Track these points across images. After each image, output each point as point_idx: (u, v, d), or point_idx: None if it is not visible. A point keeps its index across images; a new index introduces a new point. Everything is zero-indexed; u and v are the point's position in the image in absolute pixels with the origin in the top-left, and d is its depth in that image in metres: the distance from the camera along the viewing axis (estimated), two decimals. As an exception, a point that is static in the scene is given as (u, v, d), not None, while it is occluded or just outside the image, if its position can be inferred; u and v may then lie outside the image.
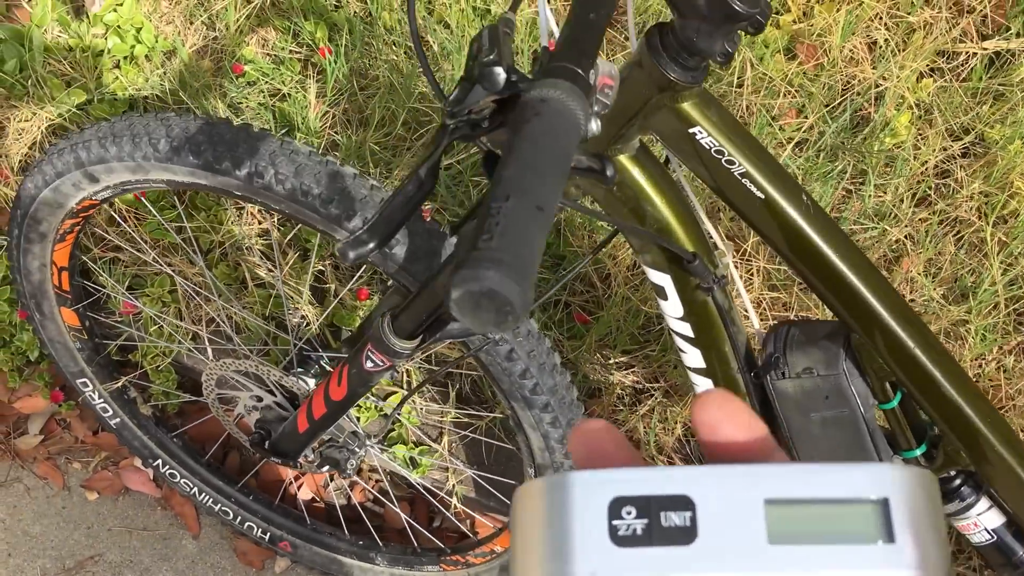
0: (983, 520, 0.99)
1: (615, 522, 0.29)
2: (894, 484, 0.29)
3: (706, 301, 0.99)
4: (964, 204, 1.69)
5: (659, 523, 0.28)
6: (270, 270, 1.57)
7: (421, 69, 0.74)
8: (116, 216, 1.54)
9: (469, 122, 0.62)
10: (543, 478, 0.30)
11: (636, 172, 0.94)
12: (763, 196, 0.89)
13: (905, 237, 1.70)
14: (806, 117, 1.68)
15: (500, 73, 0.61)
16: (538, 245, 0.50)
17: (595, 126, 0.61)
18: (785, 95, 1.70)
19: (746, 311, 1.06)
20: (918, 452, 0.98)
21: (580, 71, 0.60)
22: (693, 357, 1.04)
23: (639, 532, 0.28)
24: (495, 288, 0.46)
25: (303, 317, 1.59)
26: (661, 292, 1.00)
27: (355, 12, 1.74)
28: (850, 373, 0.95)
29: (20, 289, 1.42)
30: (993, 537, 0.99)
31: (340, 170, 1.12)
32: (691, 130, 0.87)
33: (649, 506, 0.29)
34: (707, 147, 0.88)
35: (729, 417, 0.31)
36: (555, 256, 1.59)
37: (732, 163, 0.88)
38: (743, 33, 0.80)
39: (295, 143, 1.13)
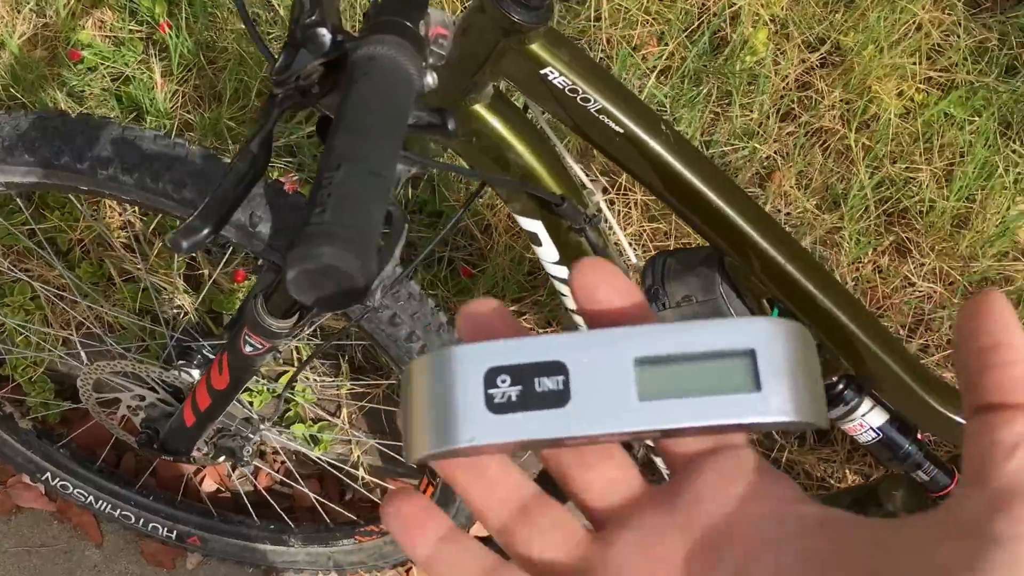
0: (868, 420, 1.01)
1: (491, 391, 0.30)
2: (760, 335, 0.30)
3: (580, 242, 0.98)
4: (827, 114, 1.73)
5: (533, 389, 0.30)
6: (137, 265, 1.50)
7: (249, 34, 0.70)
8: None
9: (299, 89, 0.58)
10: (428, 354, 0.31)
11: (494, 120, 0.92)
12: (622, 130, 0.88)
13: (775, 152, 1.73)
14: (667, 44, 1.68)
15: (324, 34, 0.57)
16: (377, 212, 0.47)
17: (431, 80, 0.59)
18: (644, 24, 1.70)
19: (622, 247, 1.06)
20: (802, 364, 1.00)
21: (409, 24, 0.57)
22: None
23: (514, 399, 0.30)
24: (333, 264, 0.44)
25: (180, 307, 1.53)
26: (535, 239, 0.99)
27: (193, -18, 1.66)
28: (727, 295, 0.96)
29: None
30: (879, 435, 1.02)
31: (190, 150, 1.06)
32: (543, 71, 0.85)
33: (523, 374, 0.30)
34: (561, 87, 0.86)
35: (605, 280, 0.32)
36: (432, 213, 1.56)
37: (588, 100, 0.86)
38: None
39: (138, 128, 1.06)
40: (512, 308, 1.59)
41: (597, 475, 0.32)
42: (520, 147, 0.93)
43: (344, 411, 1.56)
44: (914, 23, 1.77)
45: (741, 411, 0.29)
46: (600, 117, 0.87)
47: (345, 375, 1.54)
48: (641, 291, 0.32)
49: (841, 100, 1.73)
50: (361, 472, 1.55)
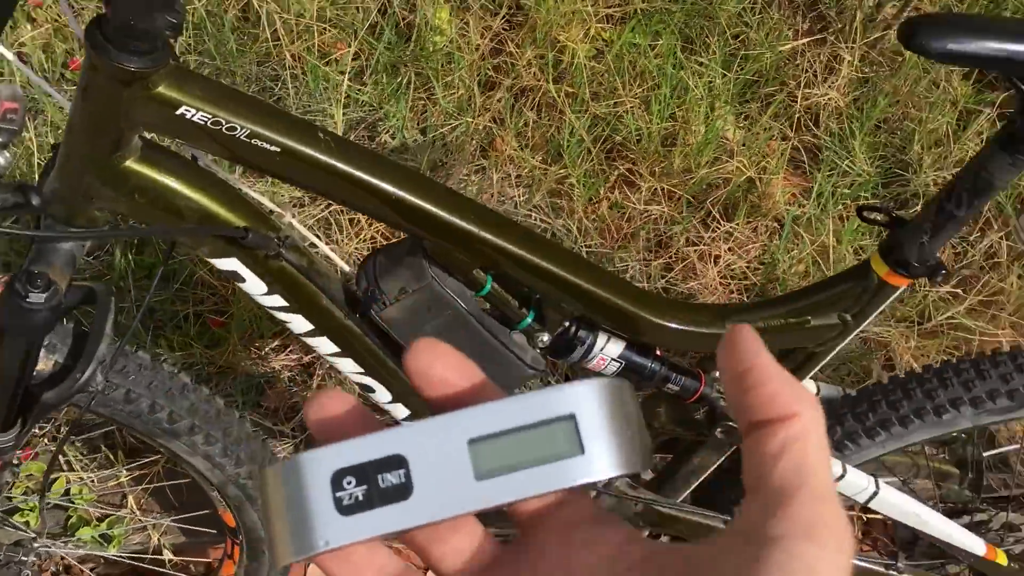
0: (608, 352, 1.05)
1: (338, 493, 0.31)
2: (578, 399, 0.32)
3: (282, 267, 0.97)
4: (525, 73, 1.78)
5: (377, 485, 0.31)
6: None
7: None
8: None
9: None
10: (277, 464, 0.32)
11: (151, 172, 0.88)
12: (279, 148, 0.87)
13: (489, 121, 1.77)
14: (350, 46, 1.68)
15: None
16: None
17: (3, 160, 0.56)
18: (325, 32, 1.69)
19: (330, 259, 1.05)
20: (530, 319, 1.03)
21: (-41, 108, 0.54)
22: (299, 323, 1.02)
23: (360, 498, 0.31)
24: None
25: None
26: (237, 276, 0.97)
27: None
28: (439, 277, 0.97)
29: None
30: (622, 362, 1.06)
31: None
32: (178, 111, 0.83)
33: (366, 472, 0.31)
34: (202, 122, 0.84)
35: (439, 357, 0.34)
36: (163, 276, 1.50)
37: (235, 128, 0.85)
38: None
39: None
40: (274, 344, 1.56)
41: (449, 547, 0.35)
42: (187, 191, 0.90)
43: (130, 498, 1.48)
44: (581, -32, 1.84)
45: (568, 476, 0.32)
46: (253, 142, 0.86)
47: (120, 461, 1.47)
48: (475, 367, 0.34)
49: (534, 56, 1.78)
50: (167, 554, 1.49)
